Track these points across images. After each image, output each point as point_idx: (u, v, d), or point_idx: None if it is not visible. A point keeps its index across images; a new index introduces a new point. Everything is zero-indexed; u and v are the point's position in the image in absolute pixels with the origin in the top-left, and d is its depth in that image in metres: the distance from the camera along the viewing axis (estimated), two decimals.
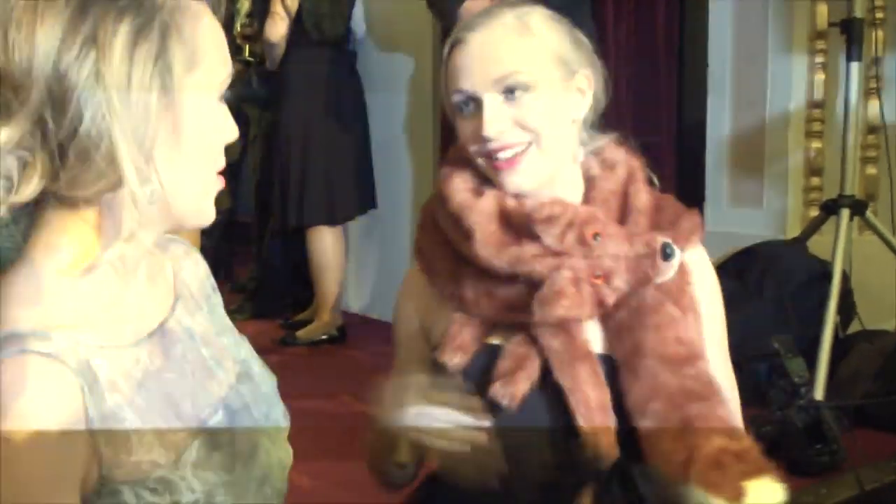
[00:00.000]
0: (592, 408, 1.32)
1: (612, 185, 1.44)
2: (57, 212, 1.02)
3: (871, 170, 3.74)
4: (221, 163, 1.07)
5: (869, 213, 3.33)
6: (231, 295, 4.98)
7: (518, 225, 1.38)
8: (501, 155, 1.38)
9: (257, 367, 1.18)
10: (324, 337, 4.38)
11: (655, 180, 1.49)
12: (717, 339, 1.46)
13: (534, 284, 1.35)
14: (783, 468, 1.27)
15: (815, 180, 3.84)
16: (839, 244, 3.15)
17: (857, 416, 2.87)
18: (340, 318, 4.46)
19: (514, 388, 1.35)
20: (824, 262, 3.31)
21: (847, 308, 3.27)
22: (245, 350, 1.19)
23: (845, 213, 3.22)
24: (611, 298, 1.35)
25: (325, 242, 4.32)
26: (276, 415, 1.17)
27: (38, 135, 0.95)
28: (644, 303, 1.36)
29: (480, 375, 1.37)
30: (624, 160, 1.47)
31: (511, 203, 1.39)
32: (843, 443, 2.62)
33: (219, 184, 1.08)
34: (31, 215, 1.03)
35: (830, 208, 3.28)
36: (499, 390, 1.35)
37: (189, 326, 1.12)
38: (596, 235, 1.35)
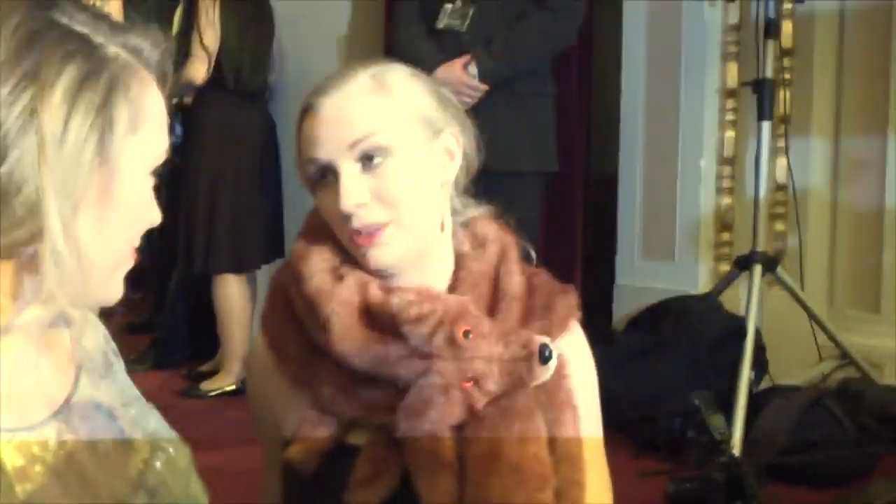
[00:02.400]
0: None
1: (484, 267, 1.32)
2: None
3: (780, 226, 3.82)
4: (137, 241, 0.99)
5: (779, 269, 3.38)
6: (127, 339, 4.82)
7: (382, 320, 1.24)
8: (363, 230, 1.26)
9: (169, 439, 1.07)
10: (229, 388, 4.25)
11: (532, 254, 1.39)
12: (594, 428, 1.36)
13: (398, 387, 1.23)
14: None
15: (725, 235, 3.90)
16: (752, 300, 3.18)
17: (774, 471, 2.88)
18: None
19: (371, 496, 1.23)
20: (736, 318, 3.34)
21: (760, 363, 3.30)
22: (154, 420, 1.07)
23: (758, 268, 3.26)
24: (481, 402, 1.22)
25: (232, 291, 4.20)
26: (195, 490, 1.05)
27: None
28: (514, 406, 1.23)
29: (337, 479, 1.24)
30: (496, 236, 1.35)
31: (374, 293, 1.25)
32: (761, 498, 2.62)
33: (131, 262, 0.99)
34: None
35: (743, 264, 3.32)
36: (354, 498, 1.23)
37: (96, 400, 1.01)
38: (467, 333, 1.23)
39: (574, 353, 1.33)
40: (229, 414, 4.02)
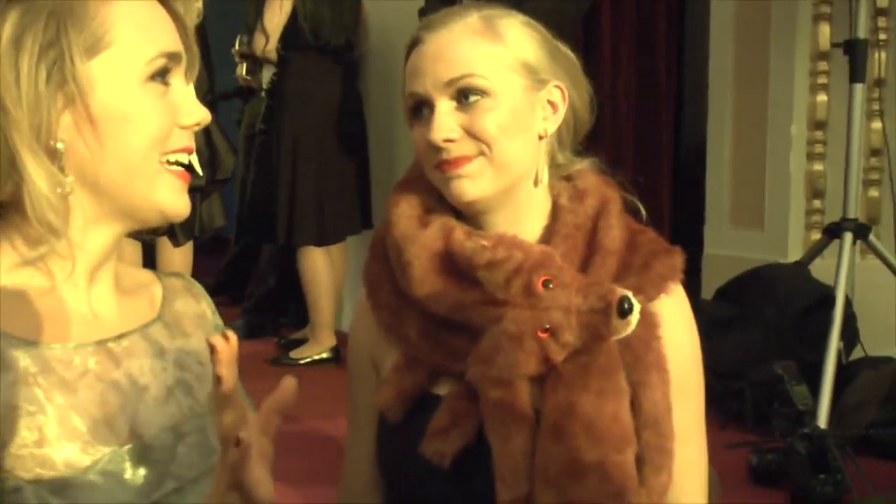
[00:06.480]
0: (519, 474, 1.20)
1: (579, 219, 1.29)
2: None
3: (874, 192, 3.71)
4: (175, 145, 1.01)
5: (872, 237, 3.28)
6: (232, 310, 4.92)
7: (461, 265, 1.24)
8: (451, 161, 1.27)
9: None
10: (317, 357, 4.31)
11: (642, 211, 1.36)
12: (691, 399, 1.31)
13: (476, 333, 1.22)
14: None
15: (817, 203, 3.81)
16: (842, 268, 3.09)
17: (862, 444, 2.81)
18: (334, 339, 4.38)
19: (446, 447, 1.24)
20: (826, 286, 3.25)
21: (850, 334, 3.21)
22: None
23: (848, 236, 3.16)
24: (559, 355, 1.18)
25: (316, 262, 4.23)
26: None
27: None
28: (594, 362, 1.20)
29: (420, 427, 1.26)
30: (596, 189, 1.32)
31: (457, 237, 1.25)
32: (847, 472, 2.56)
33: (174, 174, 1.01)
34: None
35: (833, 232, 3.23)
36: (430, 448, 1.24)
37: (163, 346, 1.05)
38: (546, 282, 1.19)
39: (671, 317, 1.28)
40: (318, 382, 4.08)
